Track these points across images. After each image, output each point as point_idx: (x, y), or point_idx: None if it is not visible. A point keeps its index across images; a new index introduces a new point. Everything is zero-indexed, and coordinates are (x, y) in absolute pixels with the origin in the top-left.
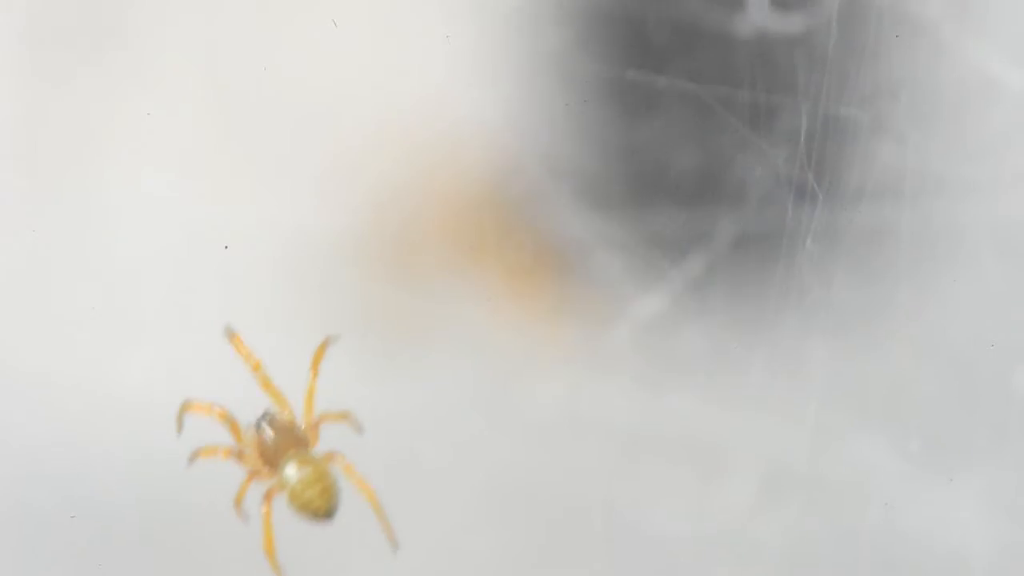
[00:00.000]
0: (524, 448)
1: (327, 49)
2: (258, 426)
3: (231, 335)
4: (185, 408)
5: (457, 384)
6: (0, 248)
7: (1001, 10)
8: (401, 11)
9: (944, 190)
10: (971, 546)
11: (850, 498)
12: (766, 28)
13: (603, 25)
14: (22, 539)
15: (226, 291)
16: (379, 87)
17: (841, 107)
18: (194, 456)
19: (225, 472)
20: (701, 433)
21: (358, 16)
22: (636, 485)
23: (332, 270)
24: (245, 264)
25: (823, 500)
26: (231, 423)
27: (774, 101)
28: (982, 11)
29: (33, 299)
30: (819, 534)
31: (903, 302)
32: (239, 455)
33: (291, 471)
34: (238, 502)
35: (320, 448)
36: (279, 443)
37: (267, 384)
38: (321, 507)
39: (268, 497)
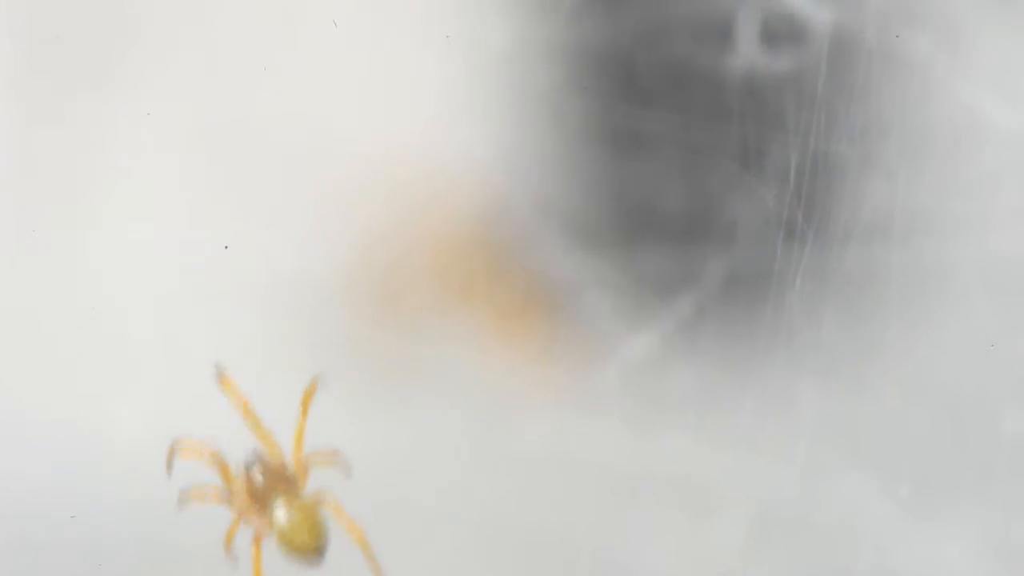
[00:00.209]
0: (513, 488)
1: (316, 89)
2: (247, 467)
3: (220, 376)
4: (175, 449)
5: (446, 424)
6: None
7: (990, 48)
8: (391, 50)
9: (934, 228)
10: None
11: (840, 539)
12: (756, 67)
13: (593, 65)
14: None
15: (215, 332)
16: (368, 126)
17: (831, 145)
18: (184, 498)
19: (215, 513)
20: (691, 473)
21: (348, 56)
22: (626, 525)
23: (321, 310)
24: (234, 305)
25: (813, 541)
26: (221, 464)
27: (764, 140)
28: (971, 49)
29: (24, 343)
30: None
31: (893, 342)
32: (229, 497)
33: (280, 513)
34: (227, 544)
35: (309, 487)
36: (268, 484)
37: (256, 425)
38: (310, 548)
39: (257, 541)
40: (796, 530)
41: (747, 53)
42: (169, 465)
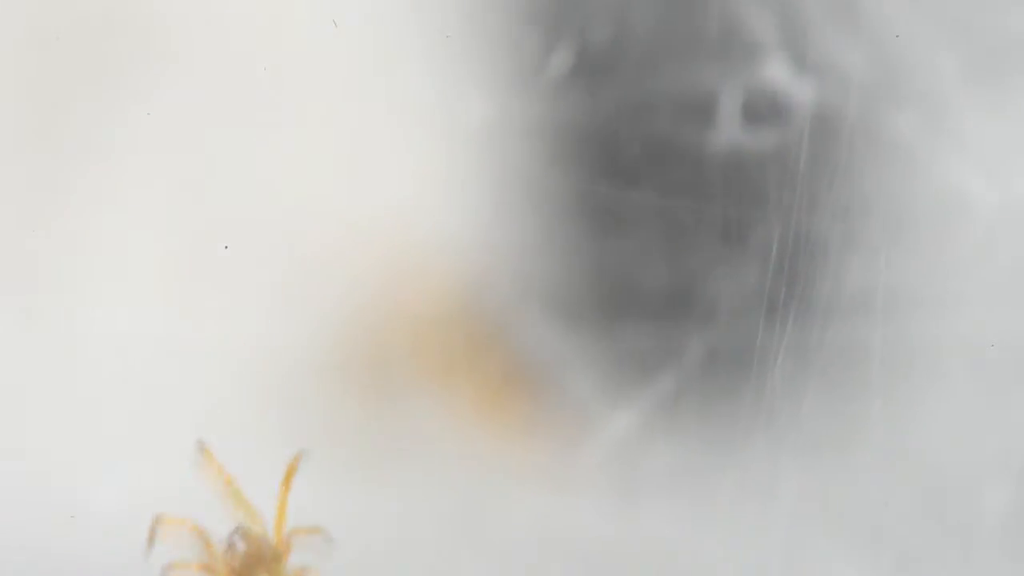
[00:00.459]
0: (496, 565)
1: (297, 164)
2: (230, 541)
3: (202, 450)
4: (158, 523)
5: (428, 500)
6: None
7: (973, 127)
8: (371, 124)
9: (917, 307)
10: None
11: None
12: (738, 144)
13: (574, 141)
14: None
15: (195, 408)
16: (349, 201)
17: (813, 223)
18: (167, 572)
19: None
20: (671, 553)
21: (329, 130)
22: None
23: (303, 386)
24: (215, 380)
25: None
26: (203, 538)
27: (746, 217)
28: (954, 128)
29: (9, 419)
30: None
31: (875, 420)
32: (211, 571)
33: None
34: None
35: (292, 563)
36: (251, 559)
37: (239, 499)
38: None
39: None
40: None
41: (729, 130)
42: (151, 539)
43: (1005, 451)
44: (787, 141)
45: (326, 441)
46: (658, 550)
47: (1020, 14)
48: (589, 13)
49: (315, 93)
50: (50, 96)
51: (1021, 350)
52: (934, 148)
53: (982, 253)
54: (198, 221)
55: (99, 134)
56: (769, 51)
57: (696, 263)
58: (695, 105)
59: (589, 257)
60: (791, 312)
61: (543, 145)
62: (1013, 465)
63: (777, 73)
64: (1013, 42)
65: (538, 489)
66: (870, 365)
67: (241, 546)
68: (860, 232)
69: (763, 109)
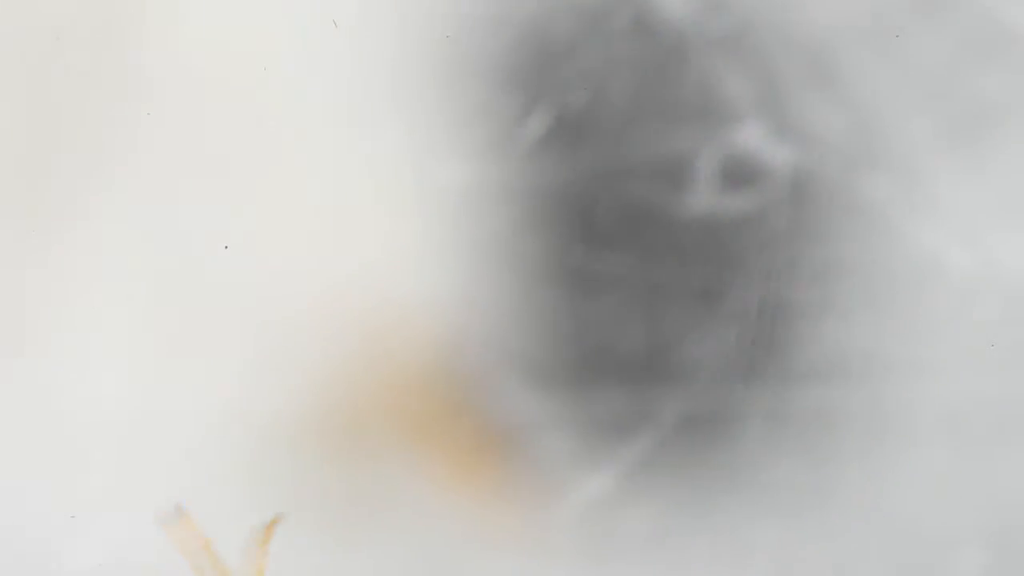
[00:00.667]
0: None
1: (273, 226)
2: None
3: (180, 515)
4: None
5: (402, 563)
6: None
7: (949, 191)
8: (348, 187)
9: (892, 371)
10: None
11: None
12: (715, 208)
13: (551, 204)
14: None
15: (172, 469)
16: (325, 265)
17: (791, 287)
18: None
19: None
20: None
21: (307, 193)
22: None
23: (278, 449)
24: (191, 443)
25: None
26: None
27: (723, 280)
28: (931, 192)
29: None
30: None
31: (852, 483)
32: None
33: None
34: None
35: None
36: None
37: (216, 564)
38: None
39: None
40: None
41: (706, 194)
42: None
43: (980, 515)
44: (764, 205)
45: (301, 504)
46: None
47: (994, 79)
48: (566, 78)
49: (293, 157)
50: (29, 159)
51: (995, 414)
52: (909, 212)
53: (956, 317)
54: (175, 284)
55: (77, 197)
56: (746, 115)
57: (672, 327)
58: (672, 169)
59: (565, 321)
60: (767, 376)
61: (520, 209)
62: (988, 529)
63: (754, 137)
64: (988, 106)
65: (512, 553)
66: (845, 428)
67: None
68: (836, 296)
69: (740, 173)
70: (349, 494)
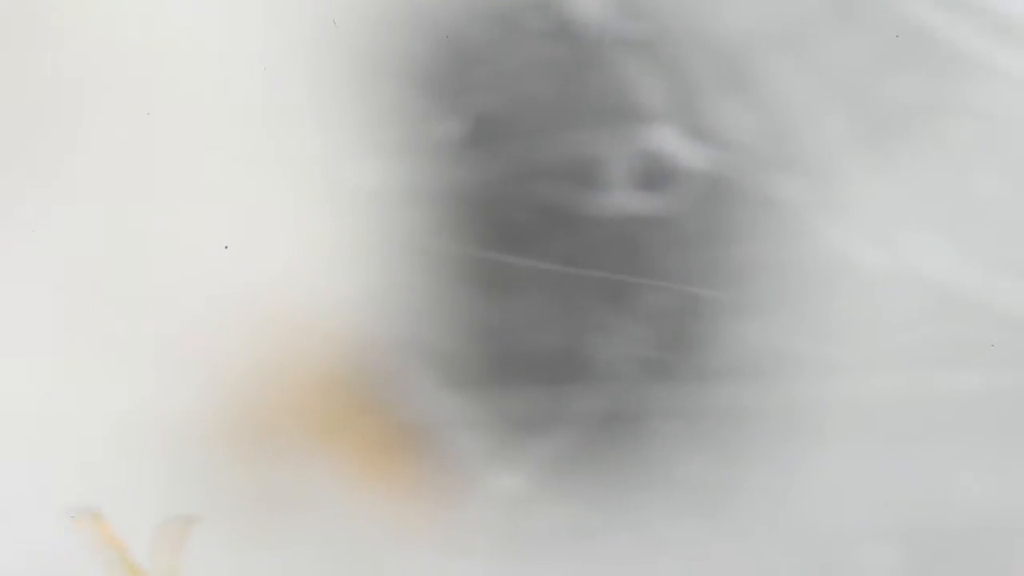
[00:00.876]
0: None
1: (182, 227)
2: None
3: (96, 519)
4: None
5: (314, 562)
6: None
7: (860, 192)
8: (260, 188)
9: (804, 370)
10: None
11: None
12: (628, 209)
13: (464, 206)
14: None
15: (83, 474)
16: (235, 265)
17: (701, 287)
18: None
19: None
20: None
21: (216, 194)
22: None
23: (189, 450)
24: (101, 446)
25: None
26: None
27: (634, 281)
28: (842, 194)
29: None
30: None
31: (762, 481)
32: None
33: None
34: None
35: None
36: None
37: (132, 567)
38: None
39: None
40: None
41: (619, 196)
42: None
43: (888, 514)
44: (676, 206)
45: (214, 505)
46: None
47: (906, 81)
48: (479, 80)
49: (204, 157)
50: None
51: (904, 413)
52: (821, 212)
53: (867, 316)
54: (86, 284)
55: None
56: (658, 117)
57: (585, 327)
58: (587, 171)
59: (478, 321)
60: (680, 375)
61: (433, 210)
62: (896, 528)
63: (666, 139)
64: (898, 108)
65: (424, 550)
66: (757, 427)
67: None
68: (748, 295)
69: (652, 174)
70: (262, 494)
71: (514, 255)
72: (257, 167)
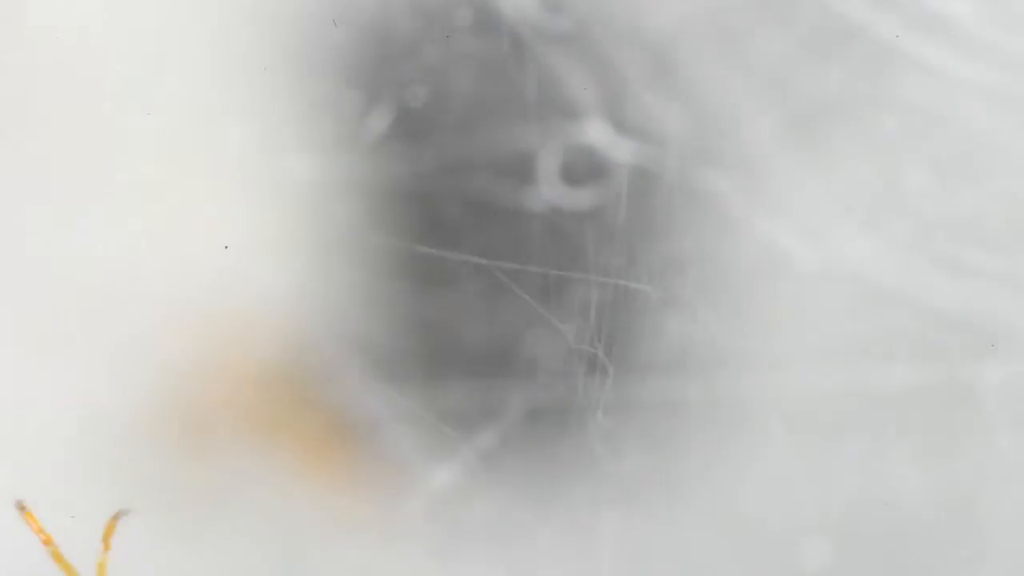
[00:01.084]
0: None
1: (116, 226)
2: None
3: (22, 509)
4: None
5: (251, 557)
6: None
7: (789, 187)
8: (191, 186)
9: (732, 364)
10: None
11: None
12: (557, 203)
13: (394, 201)
14: None
15: (16, 467)
16: (169, 263)
17: (631, 282)
18: None
19: None
20: None
21: (147, 192)
22: None
23: (124, 445)
24: (35, 441)
25: None
26: None
27: (564, 276)
28: (771, 187)
29: None
30: None
31: (693, 472)
32: None
33: None
34: None
35: None
36: None
37: (59, 558)
38: None
39: None
40: None
41: (548, 190)
42: None
43: (823, 507)
44: (605, 200)
45: (147, 499)
46: None
47: (836, 75)
48: (408, 74)
49: (134, 154)
50: None
51: (836, 407)
52: (751, 207)
53: (798, 311)
54: (24, 285)
55: None
56: (587, 111)
57: (516, 321)
58: (514, 165)
59: (410, 316)
60: (610, 368)
61: (363, 205)
62: (830, 521)
63: (595, 133)
64: (830, 103)
65: (360, 541)
66: (689, 421)
67: None
68: (678, 290)
69: (581, 169)
70: (197, 489)
71: (446, 249)
72: (188, 163)
